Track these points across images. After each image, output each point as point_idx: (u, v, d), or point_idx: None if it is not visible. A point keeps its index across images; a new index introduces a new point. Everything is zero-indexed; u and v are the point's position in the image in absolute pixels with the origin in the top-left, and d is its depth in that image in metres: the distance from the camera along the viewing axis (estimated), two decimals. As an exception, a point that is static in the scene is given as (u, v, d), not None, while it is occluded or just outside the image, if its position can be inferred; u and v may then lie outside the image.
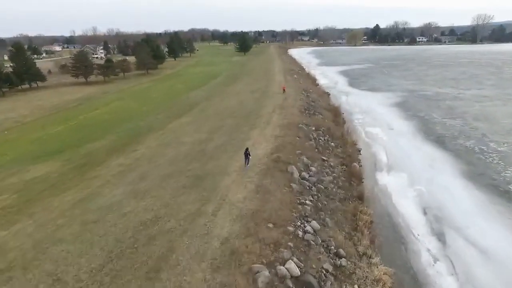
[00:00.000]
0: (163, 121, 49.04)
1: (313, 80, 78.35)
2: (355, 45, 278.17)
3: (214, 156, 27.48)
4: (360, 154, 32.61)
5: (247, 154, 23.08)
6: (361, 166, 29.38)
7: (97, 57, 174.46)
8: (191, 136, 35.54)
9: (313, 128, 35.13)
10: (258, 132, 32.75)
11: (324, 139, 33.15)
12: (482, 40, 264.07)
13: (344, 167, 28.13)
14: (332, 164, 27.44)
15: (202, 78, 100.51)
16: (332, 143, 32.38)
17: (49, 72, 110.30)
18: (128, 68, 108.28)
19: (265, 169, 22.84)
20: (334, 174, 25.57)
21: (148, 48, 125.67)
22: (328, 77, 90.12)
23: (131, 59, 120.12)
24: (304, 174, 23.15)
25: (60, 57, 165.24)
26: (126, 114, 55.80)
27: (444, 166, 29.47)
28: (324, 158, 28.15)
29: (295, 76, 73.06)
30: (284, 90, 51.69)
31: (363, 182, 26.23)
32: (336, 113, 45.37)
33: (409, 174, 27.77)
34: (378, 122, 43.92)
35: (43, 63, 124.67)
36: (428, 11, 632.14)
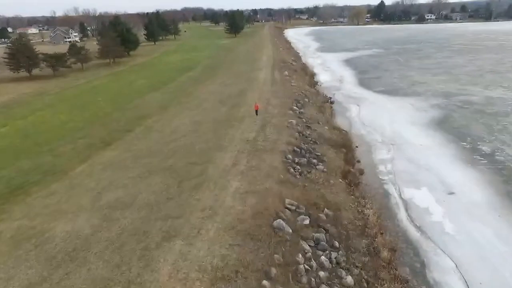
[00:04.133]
0: (71, 158, 31.29)
1: (310, 77, 58.96)
2: (357, 24, 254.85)
3: None
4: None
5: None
6: None
7: (69, 41, 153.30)
8: (73, 219, 16.99)
9: (305, 222, 16.70)
10: (181, 251, 14.20)
11: (329, 258, 14.79)
12: (498, 17, 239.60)
13: None
14: None
15: (175, 71, 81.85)
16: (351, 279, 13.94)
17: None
18: (87, 57, 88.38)
19: None
20: None
21: (114, 32, 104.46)
22: (330, 69, 70.38)
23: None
24: None
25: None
26: (35, 139, 38.34)
27: None
28: None
29: (286, 73, 53.75)
30: (256, 111, 32.09)
31: None
32: (347, 159, 26.58)
33: None
34: (420, 172, 25.29)
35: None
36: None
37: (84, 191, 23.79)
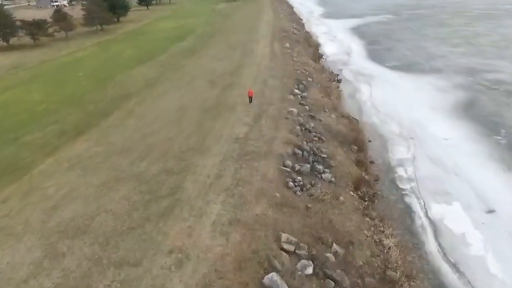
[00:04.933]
0: (36, 150, 27.27)
1: (314, 49, 52.55)
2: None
3: None
4: None
5: None
6: None
7: (57, 5, 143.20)
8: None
9: (308, 271, 12.28)
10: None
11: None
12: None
13: None
14: None
15: (167, 40, 75.13)
16: None
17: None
18: (70, 25, 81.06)
19: None
20: None
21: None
22: (336, 39, 63.42)
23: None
24: None
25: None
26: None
27: None
28: None
29: (288, 44, 47.43)
30: (250, 97, 26.49)
31: None
32: (359, 160, 21.70)
33: None
34: (448, 179, 20.55)
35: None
36: None
37: (39, 201, 19.44)
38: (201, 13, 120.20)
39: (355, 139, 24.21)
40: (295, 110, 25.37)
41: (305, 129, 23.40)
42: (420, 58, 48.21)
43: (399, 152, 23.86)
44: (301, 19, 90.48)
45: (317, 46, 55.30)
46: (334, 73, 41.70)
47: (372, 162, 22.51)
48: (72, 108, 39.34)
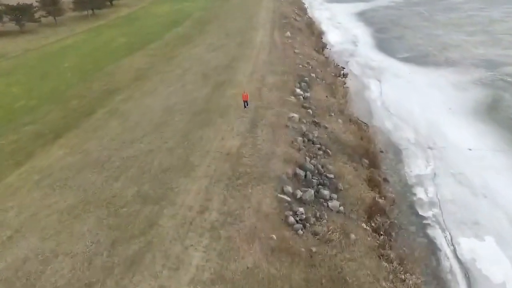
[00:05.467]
0: (7, 158, 25.41)
1: (317, 38, 48.45)
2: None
3: None
4: None
5: None
6: None
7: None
8: None
9: None
10: None
11: None
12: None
13: None
14: None
15: (161, 25, 71.30)
16: None
17: None
18: (59, 10, 76.52)
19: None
20: None
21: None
22: (341, 26, 58.97)
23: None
24: None
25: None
26: None
27: None
28: None
29: (289, 33, 43.34)
30: (246, 101, 22.57)
31: None
32: (372, 179, 18.39)
33: None
34: (477, 205, 17.32)
35: None
36: None
37: (-4, 228, 16.48)
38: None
39: (366, 150, 20.90)
40: (296, 116, 21.94)
41: (308, 140, 20.06)
42: (433, 48, 44.19)
43: (416, 166, 20.59)
44: (303, 3, 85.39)
45: (320, 34, 51.15)
46: (340, 66, 37.94)
47: (386, 180, 19.28)
48: (53, 105, 36.10)
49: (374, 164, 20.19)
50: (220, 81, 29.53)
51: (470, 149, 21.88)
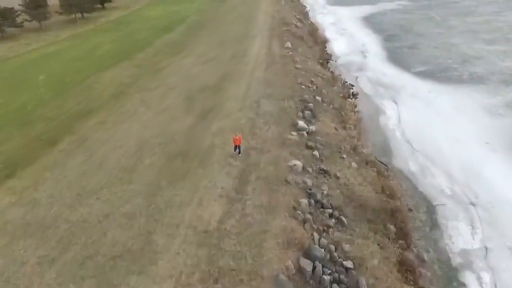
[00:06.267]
0: None
1: (321, 47, 43.28)
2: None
3: None
4: None
5: None
6: None
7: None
8: None
9: None
10: None
11: None
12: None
13: None
14: None
15: (153, 31, 66.85)
16: None
17: None
18: (44, 14, 71.83)
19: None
20: None
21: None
22: (346, 33, 53.77)
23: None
24: None
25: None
26: None
27: None
28: None
29: (289, 43, 38.23)
30: (237, 146, 17.25)
31: None
32: (403, 260, 13.32)
33: None
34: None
35: None
36: None
37: None
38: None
39: (391, 212, 15.78)
40: (299, 163, 16.84)
41: (316, 201, 14.97)
42: (453, 60, 39.03)
43: (459, 234, 15.49)
44: (304, 6, 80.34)
45: (324, 43, 45.98)
46: (348, 83, 32.80)
47: (421, 260, 14.16)
48: (15, 130, 30.93)
49: (403, 232, 15.10)
50: (207, 108, 24.43)
51: (525, 207, 16.74)
